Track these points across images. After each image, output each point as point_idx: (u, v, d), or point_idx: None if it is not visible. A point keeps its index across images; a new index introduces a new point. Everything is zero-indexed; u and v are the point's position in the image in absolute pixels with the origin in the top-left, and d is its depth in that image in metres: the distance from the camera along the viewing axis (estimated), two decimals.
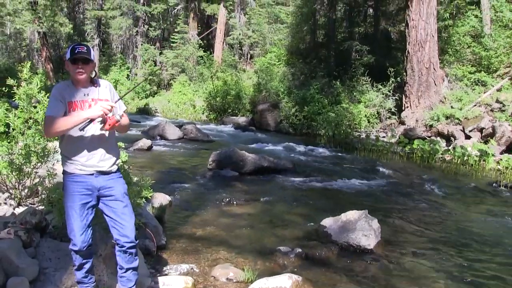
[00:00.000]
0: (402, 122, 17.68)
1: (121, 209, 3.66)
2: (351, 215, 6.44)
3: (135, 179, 5.77)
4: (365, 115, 18.58)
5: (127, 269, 3.76)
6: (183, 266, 5.12)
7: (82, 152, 3.55)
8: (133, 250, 3.73)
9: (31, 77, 5.25)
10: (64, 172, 3.61)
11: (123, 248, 3.67)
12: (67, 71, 3.68)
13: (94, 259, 3.79)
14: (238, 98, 24.31)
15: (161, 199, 7.38)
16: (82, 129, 3.44)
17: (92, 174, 3.58)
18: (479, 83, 17.75)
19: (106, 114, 3.45)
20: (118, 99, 3.74)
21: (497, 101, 15.68)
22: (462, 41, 19.95)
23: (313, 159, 13.22)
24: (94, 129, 3.56)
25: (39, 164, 5.35)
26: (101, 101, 3.58)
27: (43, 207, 4.88)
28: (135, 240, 3.72)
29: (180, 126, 17.46)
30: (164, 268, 5.06)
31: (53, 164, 5.34)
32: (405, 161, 13.43)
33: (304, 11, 26.16)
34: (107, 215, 3.68)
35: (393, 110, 18.58)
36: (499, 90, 16.72)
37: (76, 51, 3.50)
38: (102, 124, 3.53)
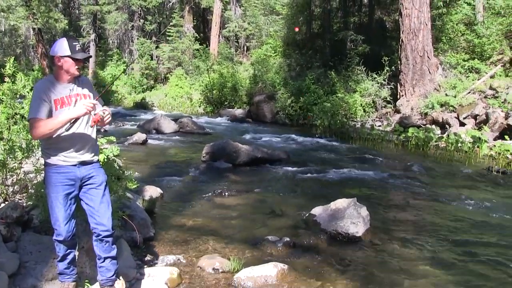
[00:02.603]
0: (397, 111, 17.68)
1: (100, 198, 3.75)
2: (340, 203, 6.46)
3: (118, 171, 5.78)
4: (361, 105, 18.55)
5: (105, 258, 3.80)
6: (170, 257, 5.14)
7: (65, 146, 3.62)
8: (109, 239, 3.78)
9: (15, 73, 5.25)
10: (47, 164, 3.66)
11: (100, 237, 3.74)
12: (55, 65, 3.66)
13: (76, 251, 3.83)
14: (235, 90, 24.32)
15: (152, 192, 7.42)
16: (67, 129, 3.55)
17: (75, 165, 3.67)
18: (472, 71, 17.77)
19: (89, 112, 3.56)
20: (99, 96, 3.84)
21: (491, 87, 15.70)
22: (456, 29, 19.92)
23: (308, 149, 13.25)
24: (77, 125, 3.65)
25: (24, 160, 5.35)
26: (85, 97, 3.70)
27: (30, 202, 4.89)
28: (112, 230, 3.78)
29: (175, 119, 17.46)
30: (151, 260, 5.09)
31: (38, 159, 5.34)
32: (400, 149, 13.45)
33: (299, 1, 26.09)
34: (86, 204, 3.75)
35: (388, 99, 18.58)
36: (492, 77, 16.75)
37: (77, 49, 3.61)
38: (87, 121, 3.67)
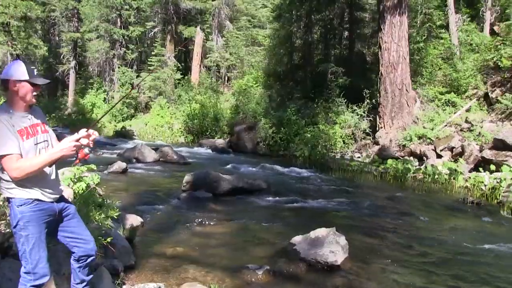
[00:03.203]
0: (376, 143, 17.93)
1: (80, 225, 3.72)
2: (320, 232, 6.53)
3: (99, 200, 5.80)
4: (341, 136, 18.78)
5: (87, 282, 3.82)
6: (151, 285, 5.13)
7: (44, 180, 3.45)
8: (93, 261, 3.79)
9: None
10: (24, 201, 3.35)
11: (87, 261, 3.72)
12: (9, 91, 3.35)
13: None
14: (216, 120, 24.46)
15: (132, 220, 7.39)
16: (50, 166, 3.41)
17: (53, 202, 3.53)
18: (449, 104, 18.24)
19: (76, 150, 3.40)
20: (91, 126, 3.63)
21: (466, 121, 16.14)
22: (434, 63, 20.43)
23: (288, 180, 13.32)
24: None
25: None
26: (44, 126, 3.55)
27: (8, 230, 4.87)
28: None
29: (156, 148, 17.44)
30: (132, 287, 5.09)
31: None
32: (379, 180, 13.60)
33: (281, 33, 26.50)
34: (66, 237, 3.66)
35: (367, 131, 18.83)
36: (468, 110, 17.21)
37: (35, 73, 3.37)
38: (74, 159, 3.54)
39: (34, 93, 3.40)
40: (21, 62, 3.39)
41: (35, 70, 3.40)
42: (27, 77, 3.32)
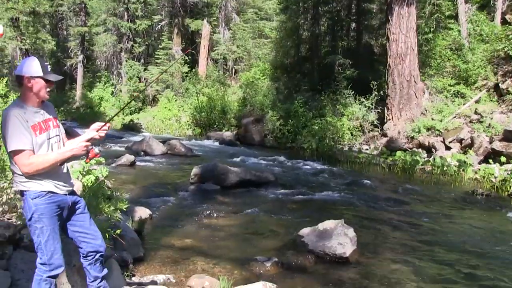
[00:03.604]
0: (384, 134, 17.86)
1: (88, 220, 3.74)
2: (328, 224, 6.54)
3: (109, 192, 5.83)
4: (348, 128, 18.72)
5: (102, 278, 3.81)
6: (160, 277, 5.18)
7: (56, 174, 3.50)
8: (102, 258, 3.79)
9: (7, 93, 5.30)
10: (38, 194, 3.39)
11: (96, 258, 3.72)
12: (23, 87, 3.39)
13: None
14: (223, 113, 24.42)
15: (141, 213, 7.42)
16: (61, 164, 3.48)
17: (66, 194, 3.57)
18: (458, 95, 18.10)
19: (87, 150, 3.48)
20: (107, 122, 3.70)
21: (476, 112, 16.02)
22: (443, 54, 20.28)
23: (296, 172, 13.32)
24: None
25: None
26: (55, 121, 3.61)
27: (19, 222, 4.91)
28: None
29: (164, 141, 17.47)
30: (141, 279, 5.12)
31: None
32: (387, 172, 13.56)
33: (288, 25, 26.37)
34: (75, 231, 3.68)
35: (375, 122, 18.74)
36: (477, 102, 17.08)
37: (49, 69, 3.41)
38: (84, 158, 3.62)
39: (48, 89, 3.44)
40: (35, 59, 3.41)
41: (49, 66, 3.44)
42: (41, 74, 3.35)
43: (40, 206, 3.38)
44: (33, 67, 3.35)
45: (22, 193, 3.43)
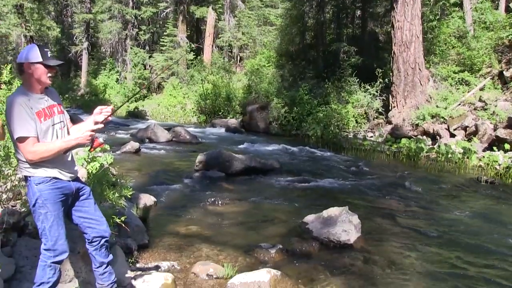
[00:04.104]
0: (389, 122, 17.83)
1: (93, 206, 3.76)
2: (332, 211, 6.56)
3: (114, 179, 5.84)
4: (353, 115, 18.73)
5: (108, 263, 3.84)
6: (164, 264, 5.21)
7: (61, 161, 3.53)
8: (108, 244, 3.82)
9: (11, 80, 5.30)
10: (42, 180, 3.42)
11: (101, 243, 3.74)
12: (25, 73, 3.41)
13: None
14: (228, 100, 24.41)
15: (145, 200, 7.45)
16: (65, 153, 3.50)
17: (70, 180, 3.60)
18: (463, 83, 18.03)
19: (92, 139, 3.51)
20: (116, 109, 3.77)
21: (480, 100, 15.99)
22: (447, 41, 20.17)
23: (301, 159, 13.32)
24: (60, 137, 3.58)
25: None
26: (60, 107, 3.62)
27: (24, 209, 4.93)
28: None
29: (169, 128, 17.49)
30: (145, 266, 5.16)
31: None
32: (392, 159, 13.54)
33: (293, 13, 26.29)
34: (80, 217, 3.70)
35: (380, 110, 18.73)
36: (481, 89, 17.02)
37: (49, 55, 3.41)
38: (89, 147, 3.64)
39: (49, 75, 3.44)
40: (34, 45, 3.43)
41: (49, 52, 3.44)
42: (40, 59, 3.36)
43: (44, 191, 3.40)
44: (32, 53, 3.37)
45: (26, 178, 3.46)
